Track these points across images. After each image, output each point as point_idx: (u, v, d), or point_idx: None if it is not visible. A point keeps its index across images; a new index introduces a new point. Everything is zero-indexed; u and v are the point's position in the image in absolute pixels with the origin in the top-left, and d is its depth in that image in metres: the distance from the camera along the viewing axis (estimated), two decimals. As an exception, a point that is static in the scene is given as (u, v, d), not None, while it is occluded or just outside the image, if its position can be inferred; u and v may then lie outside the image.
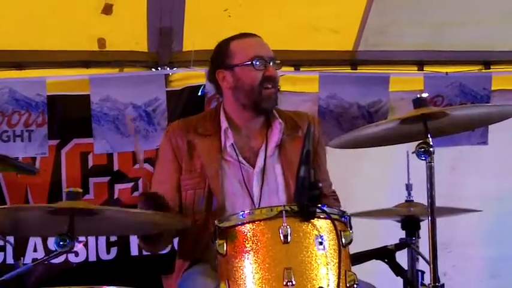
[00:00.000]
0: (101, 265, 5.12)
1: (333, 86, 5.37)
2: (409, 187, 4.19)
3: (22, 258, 4.85)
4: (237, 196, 3.86)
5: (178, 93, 5.26)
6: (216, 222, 3.25)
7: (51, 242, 4.71)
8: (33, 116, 5.08)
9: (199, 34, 5.10)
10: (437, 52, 5.49)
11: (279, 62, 3.90)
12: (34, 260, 4.91)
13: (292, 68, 5.38)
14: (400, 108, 5.26)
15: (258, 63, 3.86)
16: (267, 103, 3.88)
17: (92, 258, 5.13)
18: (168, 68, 5.28)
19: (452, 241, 5.57)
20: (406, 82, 5.48)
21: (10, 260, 4.97)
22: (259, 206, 3.78)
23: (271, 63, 3.87)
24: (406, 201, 4.22)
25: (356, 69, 5.48)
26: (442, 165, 5.43)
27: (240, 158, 3.90)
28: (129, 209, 3.76)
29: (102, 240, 5.10)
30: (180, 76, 5.34)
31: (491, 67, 5.56)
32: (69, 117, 5.19)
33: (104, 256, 5.14)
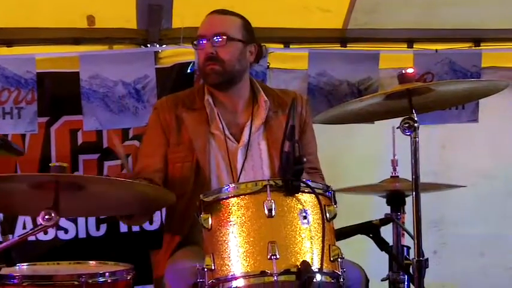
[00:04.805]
0: (90, 242, 5.14)
1: (322, 63, 5.35)
2: (394, 162, 4.19)
3: (12, 235, 4.84)
4: (222, 170, 3.89)
5: (168, 70, 5.25)
6: (201, 196, 3.27)
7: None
8: (22, 93, 5.06)
9: (188, 11, 5.09)
10: (427, 30, 5.48)
11: (224, 37, 3.84)
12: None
13: (281, 45, 5.37)
14: (390, 86, 5.21)
15: (197, 43, 3.91)
16: (210, 79, 3.91)
17: (82, 235, 5.14)
18: (157, 45, 5.27)
19: (443, 219, 5.60)
20: (396, 59, 5.45)
21: (-2, 237, 4.98)
22: (243, 180, 3.78)
23: (214, 39, 3.86)
24: (392, 176, 4.22)
25: (346, 47, 5.47)
26: (433, 143, 5.49)
27: (227, 132, 3.93)
28: (114, 178, 3.62)
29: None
30: (169, 53, 5.32)
31: (481, 44, 5.54)
32: (58, 94, 5.18)
33: (94, 233, 5.15)
